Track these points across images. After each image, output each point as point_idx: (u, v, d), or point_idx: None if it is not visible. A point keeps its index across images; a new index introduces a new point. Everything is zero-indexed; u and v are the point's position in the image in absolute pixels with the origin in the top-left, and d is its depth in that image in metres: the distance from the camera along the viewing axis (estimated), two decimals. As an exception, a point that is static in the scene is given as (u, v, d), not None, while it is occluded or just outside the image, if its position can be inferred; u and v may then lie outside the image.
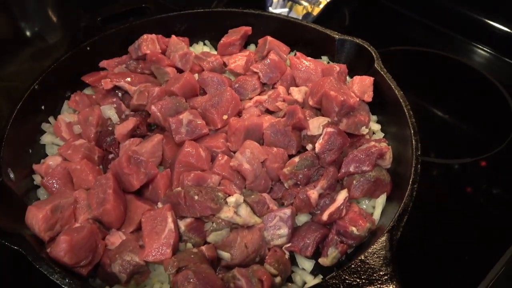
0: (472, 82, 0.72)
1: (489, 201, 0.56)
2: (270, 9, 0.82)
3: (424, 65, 0.74)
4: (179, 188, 0.47)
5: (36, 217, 0.43)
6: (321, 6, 0.80)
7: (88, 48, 0.61)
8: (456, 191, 0.58)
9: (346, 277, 0.38)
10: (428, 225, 0.54)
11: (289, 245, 0.47)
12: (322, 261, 0.47)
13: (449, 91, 0.70)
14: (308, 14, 0.79)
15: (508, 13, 0.73)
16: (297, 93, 0.58)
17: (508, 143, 0.61)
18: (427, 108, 0.68)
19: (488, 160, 0.60)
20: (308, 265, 0.47)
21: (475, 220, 0.55)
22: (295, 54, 0.64)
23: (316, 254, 0.47)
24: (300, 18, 0.78)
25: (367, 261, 0.39)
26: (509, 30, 0.73)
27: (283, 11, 0.81)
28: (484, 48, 0.75)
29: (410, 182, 0.45)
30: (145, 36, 0.63)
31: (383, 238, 0.40)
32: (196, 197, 0.46)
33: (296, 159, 0.50)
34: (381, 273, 0.38)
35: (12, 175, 0.47)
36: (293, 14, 0.80)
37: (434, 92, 0.70)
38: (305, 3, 0.80)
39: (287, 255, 0.47)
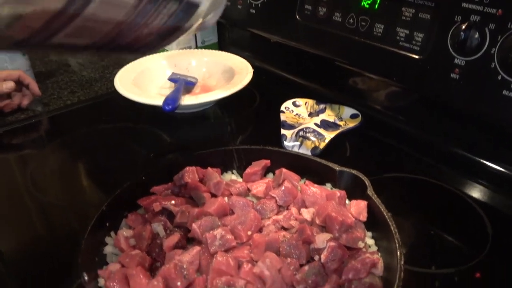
0: (453, 204, 0.85)
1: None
2: (285, 142, 0.99)
3: (412, 189, 0.88)
4: (214, 290, 0.60)
5: (106, 311, 0.56)
6: (326, 141, 0.97)
7: (144, 178, 0.78)
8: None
9: None
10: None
11: None
12: None
13: (432, 210, 0.83)
14: (316, 148, 0.96)
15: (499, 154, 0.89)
16: (307, 214, 0.73)
17: (484, 257, 0.73)
18: (416, 225, 0.81)
19: (469, 270, 0.71)
20: None
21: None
22: (304, 182, 0.80)
23: None
24: (309, 150, 0.96)
25: None
26: (501, 169, 0.89)
27: (295, 144, 0.98)
28: (470, 178, 0.89)
29: (395, 286, 0.57)
30: (187, 168, 0.80)
31: (373, 331, 0.51)
32: (227, 297, 0.58)
33: (306, 267, 0.63)
34: None
35: (86, 278, 0.61)
36: (303, 148, 0.97)
37: (421, 212, 0.83)
38: (313, 139, 0.98)
39: None
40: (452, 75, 0.87)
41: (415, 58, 0.93)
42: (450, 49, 0.86)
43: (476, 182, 0.90)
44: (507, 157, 0.89)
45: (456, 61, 0.86)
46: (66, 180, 0.95)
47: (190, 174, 0.79)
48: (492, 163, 0.90)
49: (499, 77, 0.80)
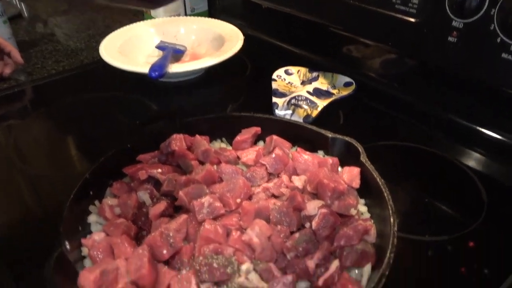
0: (448, 172, 0.83)
1: (464, 269, 0.64)
2: (277, 111, 0.96)
3: (406, 157, 0.86)
4: (201, 257, 0.58)
5: (88, 280, 0.53)
6: (319, 109, 0.95)
7: (129, 145, 0.75)
8: (437, 263, 0.66)
9: (335, 327, 0.47)
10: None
11: (291, 307, 0.56)
12: (319, 321, 0.56)
13: (426, 178, 0.81)
14: (308, 116, 0.93)
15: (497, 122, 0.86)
16: (298, 181, 0.71)
17: (479, 224, 0.71)
18: (410, 193, 0.79)
19: (463, 238, 0.69)
20: (307, 324, 0.56)
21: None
22: (296, 149, 0.77)
23: (314, 317, 0.56)
24: (301, 119, 0.93)
25: (352, 314, 0.48)
26: (498, 137, 0.86)
27: (287, 113, 0.96)
28: (466, 146, 0.87)
29: (388, 252, 0.55)
30: (174, 135, 0.77)
31: (365, 296, 0.50)
32: (215, 265, 0.56)
33: (297, 235, 0.61)
34: (362, 323, 0.47)
35: (68, 246, 0.59)
36: (295, 116, 0.94)
37: (416, 180, 0.81)
38: (306, 107, 0.95)
39: (289, 315, 0.56)
40: (450, 39, 0.84)
41: (411, 22, 0.90)
42: (448, 11, 0.83)
43: (472, 150, 0.88)
44: (504, 124, 0.87)
45: (454, 23, 0.83)
46: (51, 150, 0.92)
47: (177, 141, 0.76)
48: (489, 130, 0.88)
49: (498, 40, 0.77)
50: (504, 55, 0.76)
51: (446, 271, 0.64)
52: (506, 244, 0.68)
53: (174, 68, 1.03)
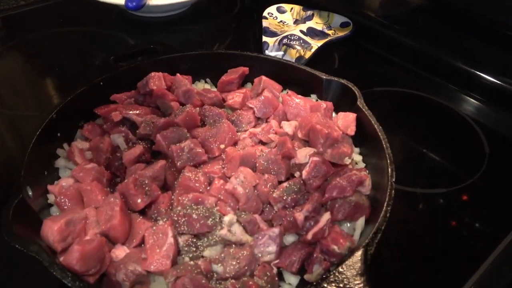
0: (449, 121, 0.77)
1: (460, 225, 0.61)
2: (267, 52, 0.89)
3: (404, 104, 0.80)
4: (180, 208, 0.53)
5: (52, 229, 0.48)
6: (313, 50, 0.87)
7: (101, 83, 0.67)
8: (431, 217, 0.62)
9: (325, 285, 0.43)
10: (403, 246, 0.58)
11: (277, 261, 0.52)
12: (308, 277, 0.51)
13: (426, 128, 0.75)
14: (300, 57, 0.86)
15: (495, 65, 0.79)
16: (288, 127, 0.65)
17: (479, 177, 0.67)
18: (407, 143, 0.74)
19: (461, 191, 0.65)
20: (294, 280, 0.51)
21: (446, 243, 0.59)
22: (287, 92, 0.71)
23: (301, 272, 0.52)
24: (293, 60, 0.86)
25: (344, 272, 0.44)
26: (495, 80, 0.80)
27: (278, 54, 0.88)
28: (469, 94, 0.81)
29: (385, 205, 0.50)
30: (152, 73, 0.69)
31: (359, 253, 0.45)
32: (194, 216, 0.51)
33: (285, 184, 0.56)
34: (356, 282, 0.43)
35: (30, 193, 0.53)
36: (287, 57, 0.86)
37: (413, 128, 0.75)
38: (298, 47, 0.87)
39: (274, 271, 0.51)
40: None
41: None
42: None
43: (474, 98, 0.82)
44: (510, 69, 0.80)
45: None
46: (17, 87, 0.84)
47: (156, 80, 0.69)
48: (494, 77, 0.82)
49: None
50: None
51: (440, 225, 0.61)
52: (507, 198, 0.65)
53: (155, 0, 0.93)
